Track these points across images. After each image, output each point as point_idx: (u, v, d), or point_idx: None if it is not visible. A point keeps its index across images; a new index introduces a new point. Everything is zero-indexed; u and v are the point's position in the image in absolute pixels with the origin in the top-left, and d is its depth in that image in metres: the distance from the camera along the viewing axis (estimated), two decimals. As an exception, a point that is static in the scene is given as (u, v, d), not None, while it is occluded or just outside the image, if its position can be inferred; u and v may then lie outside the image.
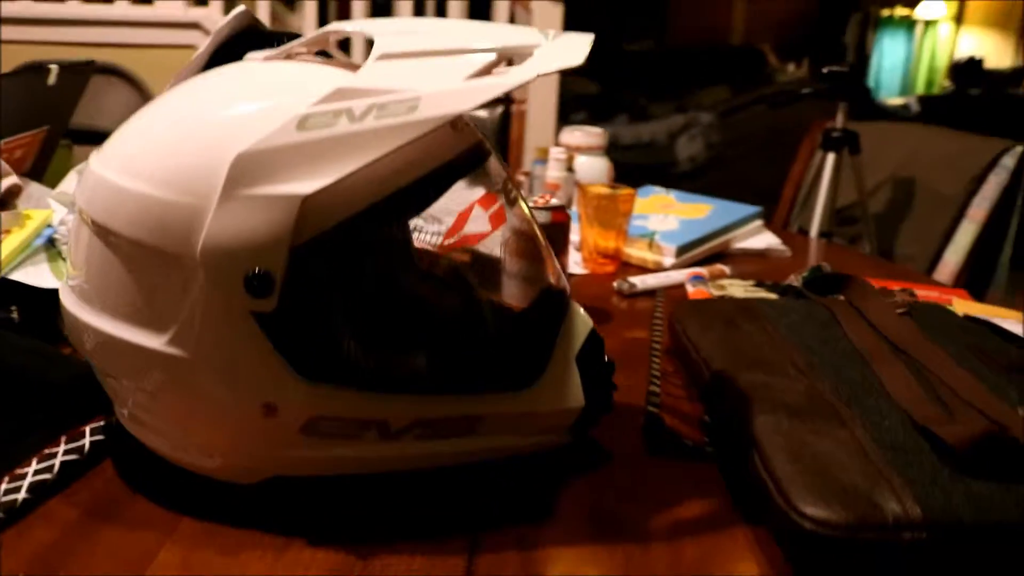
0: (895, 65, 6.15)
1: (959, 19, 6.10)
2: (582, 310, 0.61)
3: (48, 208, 0.94)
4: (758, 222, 1.29)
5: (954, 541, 0.49)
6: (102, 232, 0.52)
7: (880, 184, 1.74)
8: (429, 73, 0.51)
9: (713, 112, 3.68)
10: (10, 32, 2.39)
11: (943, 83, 5.88)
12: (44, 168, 1.17)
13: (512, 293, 0.61)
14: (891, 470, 0.53)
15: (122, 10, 2.55)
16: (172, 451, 0.56)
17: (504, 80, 0.50)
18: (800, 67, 5.77)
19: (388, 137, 0.48)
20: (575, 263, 1.14)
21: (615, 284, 1.04)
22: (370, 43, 0.54)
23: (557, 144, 1.45)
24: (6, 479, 0.56)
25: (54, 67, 1.07)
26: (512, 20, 2.68)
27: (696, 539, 0.55)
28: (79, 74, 1.16)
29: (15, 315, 0.76)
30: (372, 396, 0.52)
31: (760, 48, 5.93)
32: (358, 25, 0.57)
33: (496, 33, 0.54)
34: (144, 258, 0.50)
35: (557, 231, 0.90)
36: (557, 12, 2.61)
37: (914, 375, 0.65)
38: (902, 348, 0.69)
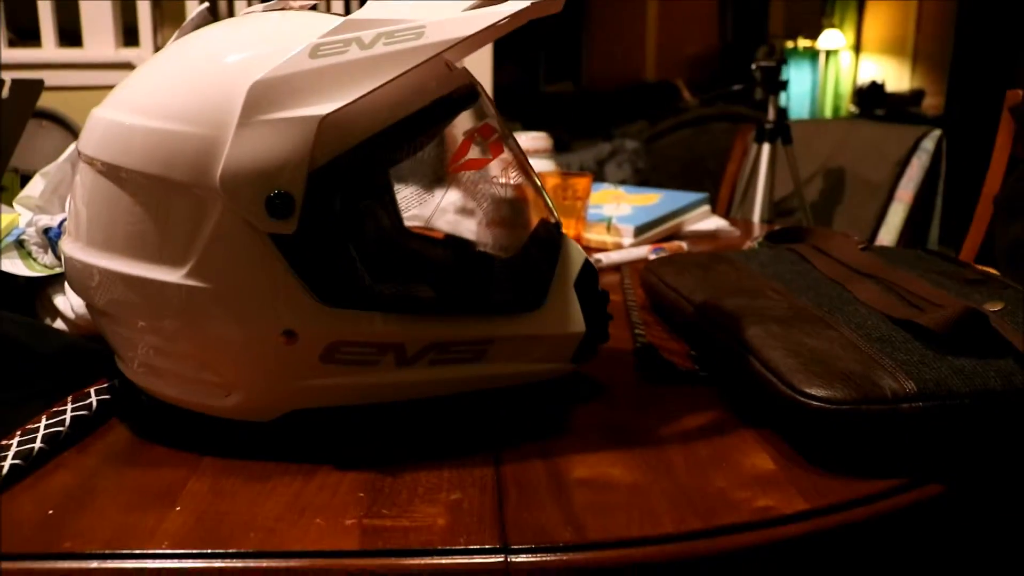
0: (803, 93, 6.45)
1: (858, 48, 6.45)
2: (574, 241, 0.63)
3: (13, 213, 0.93)
4: (706, 207, 1.35)
5: (946, 410, 0.53)
6: (113, 172, 0.53)
7: (813, 175, 1.83)
8: (429, 8, 0.53)
9: (638, 139, 3.80)
10: None
11: (849, 107, 6.18)
12: (-6, 188, 1.15)
13: (511, 221, 0.64)
14: (882, 356, 0.57)
15: (51, 53, 2.52)
16: (186, 395, 0.56)
17: (503, 8, 0.53)
18: (703, 97, 5.99)
19: (397, 62, 0.51)
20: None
21: (581, 263, 1.07)
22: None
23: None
24: (18, 432, 0.55)
25: (7, 79, 1.06)
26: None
27: (707, 441, 0.57)
28: (31, 91, 1.15)
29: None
30: (389, 319, 0.54)
31: (674, 82, 6.16)
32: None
33: (484, -24, 0.57)
34: (160, 192, 0.51)
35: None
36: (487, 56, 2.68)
37: (885, 290, 0.69)
38: (869, 273, 0.74)
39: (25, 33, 2.71)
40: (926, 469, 0.53)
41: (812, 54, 6.52)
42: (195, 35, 0.57)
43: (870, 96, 5.54)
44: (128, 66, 2.54)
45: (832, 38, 6.43)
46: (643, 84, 6.35)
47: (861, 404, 0.52)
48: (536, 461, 0.54)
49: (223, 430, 0.56)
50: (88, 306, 0.60)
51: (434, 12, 0.53)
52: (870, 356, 0.57)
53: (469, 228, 0.61)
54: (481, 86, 0.62)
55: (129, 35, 2.68)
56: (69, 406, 0.59)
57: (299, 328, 0.52)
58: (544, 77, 6.26)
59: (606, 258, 1.07)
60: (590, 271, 0.63)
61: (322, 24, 0.53)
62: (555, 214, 0.63)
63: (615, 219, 1.20)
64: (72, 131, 2.19)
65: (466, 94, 0.58)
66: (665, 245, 1.12)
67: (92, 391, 0.61)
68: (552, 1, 0.54)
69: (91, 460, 0.54)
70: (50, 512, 0.47)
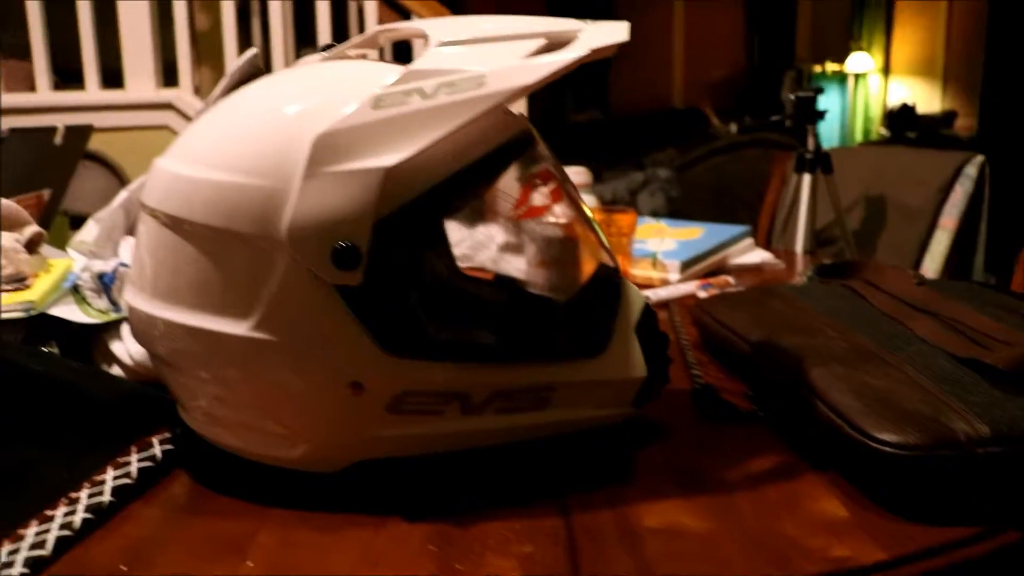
0: (831, 117, 6.42)
1: (886, 70, 6.41)
2: (633, 285, 0.63)
3: (67, 258, 0.95)
4: (749, 240, 1.34)
5: (1022, 453, 0.52)
6: (176, 225, 0.53)
7: (853, 203, 1.81)
8: (488, 56, 0.54)
9: (670, 168, 3.80)
10: None
11: (879, 131, 6.14)
12: (46, 232, 1.17)
13: (571, 265, 0.64)
14: (950, 397, 0.55)
15: (94, 95, 2.58)
16: (250, 446, 0.57)
17: (564, 56, 0.53)
18: (741, 126, 5.98)
19: (459, 111, 0.51)
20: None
21: (626, 299, 1.07)
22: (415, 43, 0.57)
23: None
24: (87, 485, 0.56)
25: (60, 127, 1.08)
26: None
27: (773, 485, 0.56)
28: (81, 136, 1.18)
29: (55, 350, 0.76)
30: (454, 368, 0.54)
31: (701, 108, 6.16)
32: (407, 25, 0.60)
33: (539, 22, 0.58)
34: (224, 244, 0.52)
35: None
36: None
37: (945, 327, 0.68)
38: (926, 308, 0.72)
39: (67, 75, 2.77)
40: (1002, 514, 0.52)
41: (840, 78, 6.50)
42: (255, 86, 0.57)
43: (901, 119, 5.49)
44: (168, 107, 2.59)
45: (860, 61, 6.40)
46: (671, 110, 6.37)
47: (934, 449, 0.51)
48: (604, 509, 0.53)
49: (289, 481, 0.56)
50: (151, 355, 0.60)
51: (492, 60, 0.53)
52: (938, 398, 0.56)
53: (530, 273, 0.60)
54: (535, 129, 0.62)
55: (168, 75, 2.73)
56: (134, 456, 0.59)
57: (366, 379, 0.52)
58: (571, 106, 6.29)
59: (654, 295, 1.06)
60: (650, 314, 0.62)
61: (381, 74, 0.53)
62: (613, 255, 0.63)
63: (660, 254, 1.20)
64: (114, 171, 2.23)
65: (523, 139, 0.58)
66: (713, 280, 1.11)
67: (155, 441, 0.61)
68: (609, 47, 0.54)
69: (157, 511, 0.54)
70: (123, 568, 0.48)
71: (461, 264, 0.62)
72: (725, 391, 0.71)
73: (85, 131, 1.18)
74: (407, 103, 0.51)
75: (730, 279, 1.13)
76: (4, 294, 0.77)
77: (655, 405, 0.64)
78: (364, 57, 0.62)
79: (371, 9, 2.61)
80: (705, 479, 0.57)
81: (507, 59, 0.53)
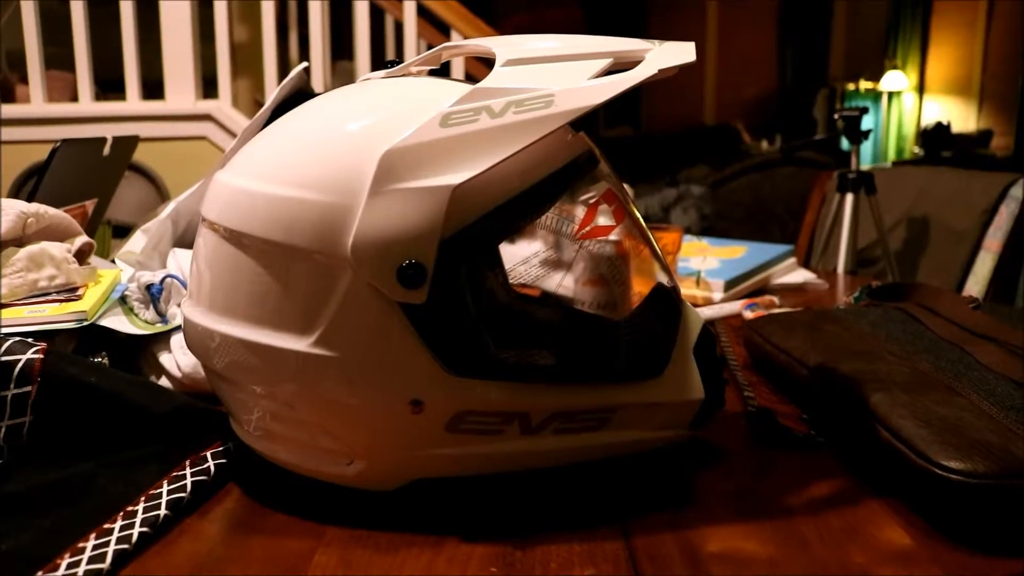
0: (865, 135, 6.36)
1: (921, 88, 6.36)
2: (691, 306, 0.62)
3: (114, 268, 0.95)
4: (792, 259, 1.33)
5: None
6: (236, 239, 0.53)
7: (895, 224, 1.79)
8: (555, 75, 0.53)
9: (703, 184, 3.78)
10: (25, 132, 2.44)
11: (913, 150, 6.08)
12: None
13: (631, 286, 0.63)
14: (1018, 425, 0.54)
15: (135, 105, 2.61)
16: (305, 462, 0.56)
17: (632, 75, 0.53)
18: (772, 144, 5.96)
19: (527, 131, 0.51)
20: (622, 305, 1.16)
21: (670, 318, 1.06)
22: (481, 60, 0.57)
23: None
24: (143, 498, 0.55)
25: (109, 138, 1.10)
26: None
27: (836, 511, 0.55)
28: (128, 147, 1.19)
29: (105, 360, 0.76)
30: (515, 388, 0.53)
31: (733, 125, 6.14)
32: (472, 43, 0.60)
33: (606, 42, 0.57)
34: (285, 260, 0.52)
35: (621, 262, 0.92)
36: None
37: (1008, 353, 0.66)
38: (986, 334, 0.71)
39: (108, 86, 2.81)
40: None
41: (874, 96, 6.45)
42: (320, 101, 0.57)
43: (935, 138, 5.44)
44: (207, 118, 2.62)
45: (895, 79, 6.35)
46: (702, 127, 6.35)
47: (1003, 478, 0.50)
48: (665, 533, 0.52)
49: (345, 499, 0.55)
50: (206, 369, 0.60)
51: (560, 79, 0.53)
52: (1006, 426, 0.54)
53: (591, 294, 0.60)
54: (597, 149, 0.62)
55: (208, 87, 2.76)
56: (188, 471, 0.59)
57: (426, 397, 0.52)
58: (603, 121, 6.30)
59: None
60: (708, 336, 0.61)
61: (447, 91, 0.53)
62: (672, 276, 0.62)
63: (704, 273, 1.19)
64: (154, 182, 2.26)
65: (587, 159, 0.58)
66: (758, 300, 1.10)
67: (209, 455, 0.61)
68: (671, 68, 0.54)
69: (213, 527, 0.54)
70: (183, 584, 0.47)
71: (527, 285, 0.61)
72: (779, 414, 0.70)
73: (132, 141, 1.19)
74: (475, 121, 0.51)
75: (775, 299, 1.12)
76: (55, 304, 0.77)
77: (711, 428, 0.63)
78: (433, 74, 0.62)
79: (410, 23, 2.63)
80: (765, 504, 0.56)
81: (574, 78, 0.53)
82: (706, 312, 1.06)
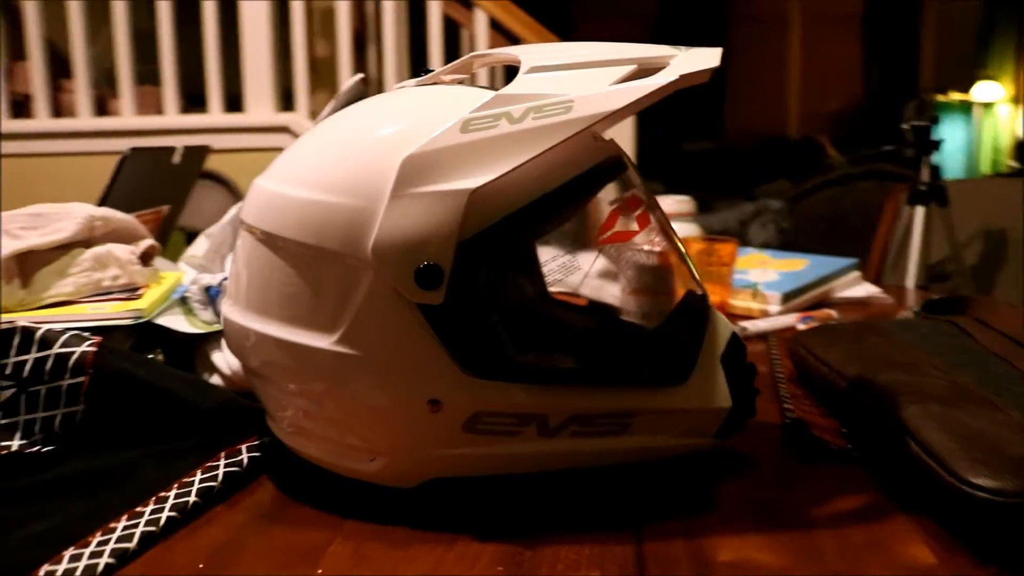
0: (956, 149, 6.13)
1: (1017, 99, 6.10)
2: (720, 314, 0.62)
3: (178, 270, 1.00)
4: (855, 273, 1.29)
5: None
6: (271, 241, 0.55)
7: (971, 237, 1.73)
8: (577, 81, 0.54)
9: (782, 199, 3.70)
10: (115, 143, 2.56)
11: (1008, 163, 5.83)
12: (163, 246, 1.24)
13: (656, 292, 0.63)
14: (1061, 446, 0.52)
15: (216, 117, 2.72)
16: (332, 458, 0.58)
17: (651, 82, 0.53)
18: (854, 155, 5.79)
19: (546, 136, 0.51)
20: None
21: (724, 329, 1.05)
22: (510, 68, 0.58)
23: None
24: (176, 485, 0.58)
25: (179, 147, 1.15)
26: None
27: (860, 525, 0.54)
28: (199, 156, 1.24)
29: (160, 356, 0.80)
30: (533, 390, 0.54)
31: (817, 139, 5.99)
32: (501, 51, 0.61)
33: (632, 48, 0.58)
34: (313, 261, 0.53)
35: (668, 273, 0.91)
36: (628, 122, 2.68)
37: (1062, 371, 0.64)
38: (1040, 350, 0.68)
39: (192, 100, 2.93)
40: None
41: (966, 107, 6.21)
42: (350, 109, 0.59)
43: (1033, 151, 5.20)
44: (284, 130, 2.70)
45: (988, 90, 6.10)
46: (785, 140, 6.22)
47: (1036, 498, 0.48)
48: (678, 540, 0.52)
49: (366, 494, 0.57)
50: (243, 366, 0.62)
51: (582, 85, 0.53)
52: (1047, 445, 0.52)
53: (615, 298, 0.60)
54: (627, 155, 0.62)
55: (286, 100, 2.85)
56: (222, 462, 0.61)
57: (443, 397, 0.53)
58: (685, 135, 6.23)
59: (752, 326, 1.04)
60: (737, 344, 0.61)
61: (473, 98, 0.54)
62: (701, 284, 0.62)
63: (761, 285, 1.17)
64: (232, 191, 2.34)
65: (612, 165, 0.58)
66: (814, 313, 1.08)
67: (244, 448, 0.64)
68: (699, 72, 0.54)
69: (240, 516, 0.56)
70: (201, 566, 0.49)
71: (549, 287, 0.62)
72: (817, 427, 0.69)
73: (202, 151, 1.24)
74: (495, 127, 0.52)
75: (832, 312, 1.09)
76: (115, 302, 0.81)
77: (742, 438, 0.62)
78: (460, 83, 0.64)
79: (482, 36, 2.66)
80: (787, 515, 0.55)
81: (595, 85, 0.53)
82: (760, 324, 1.04)
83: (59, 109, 2.65)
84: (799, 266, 1.27)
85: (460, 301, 0.52)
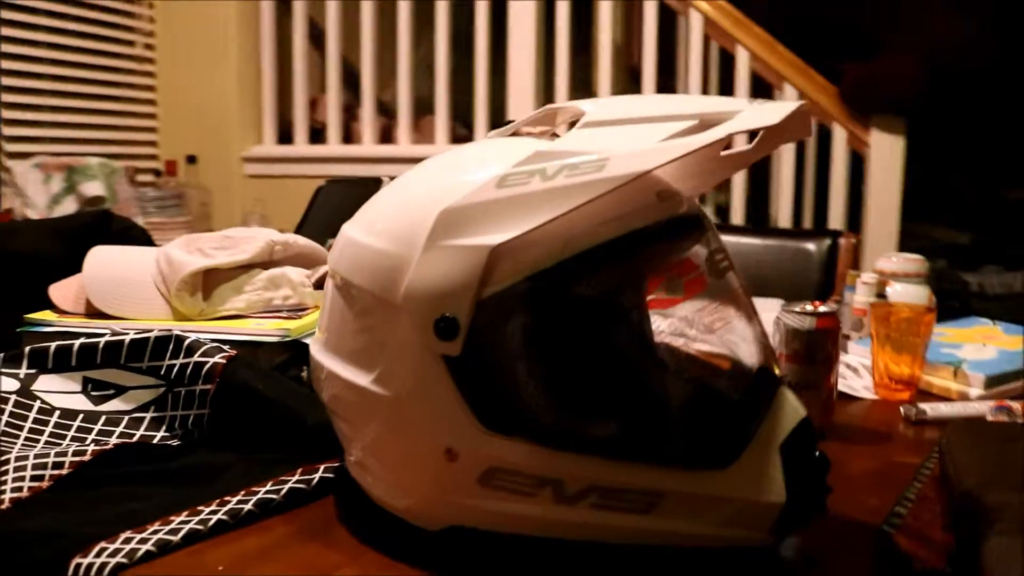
0: None
1: None
2: (793, 397, 0.56)
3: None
4: (1104, 361, 1.09)
5: None
6: (342, 282, 0.59)
7: None
8: (626, 137, 0.52)
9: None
10: (310, 168, 2.76)
11: None
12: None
13: (712, 368, 0.58)
14: None
15: (404, 148, 2.83)
16: (373, 488, 0.60)
17: (691, 140, 0.50)
18: None
19: (576, 194, 0.50)
20: (864, 387, 1.04)
21: (902, 409, 0.93)
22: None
23: (874, 271, 1.36)
24: (243, 492, 0.63)
25: (386, 179, 1.24)
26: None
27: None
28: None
29: (304, 375, 0.87)
30: (548, 452, 0.52)
31: None
32: (573, 104, 0.60)
33: (701, 102, 0.54)
34: (364, 302, 0.56)
35: (821, 338, 0.84)
36: (899, 145, 2.47)
37: None
38: None
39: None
40: None
41: None
42: (426, 161, 0.61)
43: None
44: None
45: None
46: None
47: None
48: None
49: (394, 529, 0.58)
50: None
51: (627, 142, 0.52)
52: None
53: (657, 367, 0.57)
54: (704, 215, 0.58)
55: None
56: (294, 478, 0.66)
57: (459, 448, 0.53)
58: (1006, 181, 5.57)
59: (932, 410, 0.91)
60: (806, 432, 0.55)
61: (526, 150, 0.54)
62: (777, 363, 0.57)
63: (967, 364, 1.03)
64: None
65: (671, 227, 0.55)
66: (1012, 404, 0.92)
67: (321, 468, 0.68)
68: (754, 129, 0.49)
69: (284, 530, 0.61)
70: (220, 568, 0.54)
71: (584, 349, 0.59)
72: (922, 539, 0.59)
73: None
74: (528, 183, 0.52)
75: (1045, 407, 0.93)
76: (276, 320, 0.90)
77: (827, 538, 0.56)
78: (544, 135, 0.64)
79: (742, 72, 2.58)
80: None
81: (643, 141, 0.51)
82: (942, 409, 0.92)
83: (350, 136, 2.94)
84: (1029, 346, 1.09)
85: (478, 354, 0.52)
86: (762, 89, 2.55)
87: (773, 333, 0.86)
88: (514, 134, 0.62)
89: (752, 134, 0.53)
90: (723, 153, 0.58)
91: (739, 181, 2.57)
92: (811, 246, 1.82)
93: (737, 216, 2.58)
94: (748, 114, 0.51)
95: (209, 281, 0.93)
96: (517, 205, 0.51)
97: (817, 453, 0.55)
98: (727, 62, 2.66)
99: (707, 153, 0.58)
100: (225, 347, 0.78)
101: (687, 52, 2.65)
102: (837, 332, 0.86)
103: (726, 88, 2.65)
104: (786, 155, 2.53)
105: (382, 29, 2.81)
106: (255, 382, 0.76)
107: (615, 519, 0.53)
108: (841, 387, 1.00)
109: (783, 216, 2.56)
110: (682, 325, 0.57)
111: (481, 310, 0.51)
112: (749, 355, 0.57)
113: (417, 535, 0.57)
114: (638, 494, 0.53)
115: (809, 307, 0.86)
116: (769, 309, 0.82)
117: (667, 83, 2.78)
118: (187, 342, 0.78)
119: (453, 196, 0.53)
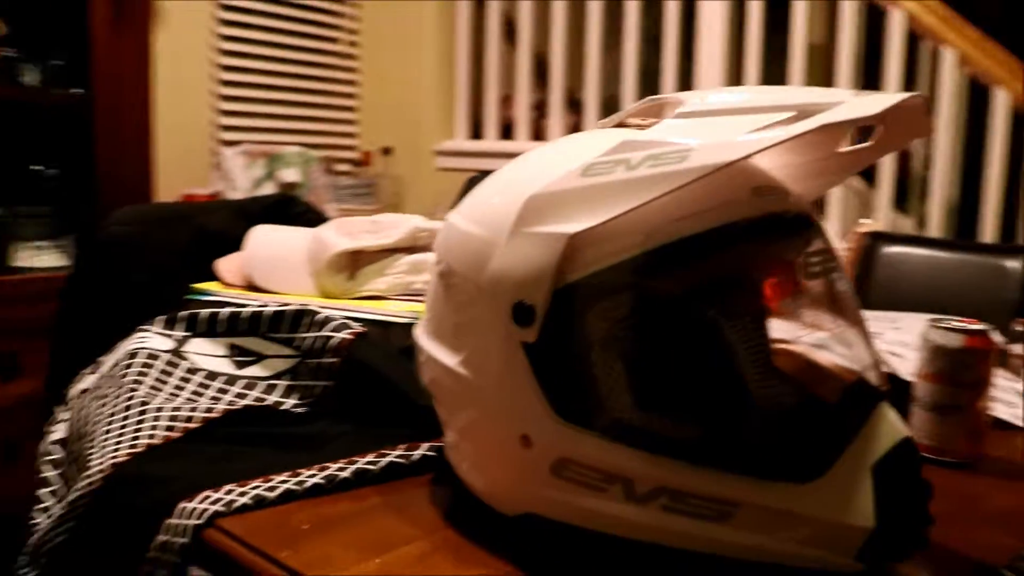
0: None
1: None
2: (895, 414, 0.51)
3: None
4: None
5: None
6: (443, 267, 0.60)
7: None
8: (716, 129, 0.50)
9: None
10: (498, 163, 2.79)
11: None
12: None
13: (805, 375, 0.55)
14: None
15: (526, 144, 2.81)
16: (458, 467, 0.61)
17: (779, 132, 0.47)
18: None
19: (657, 184, 0.49)
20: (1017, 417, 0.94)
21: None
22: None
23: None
24: (344, 460, 0.67)
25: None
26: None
27: None
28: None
29: (429, 355, 0.90)
30: (619, 449, 0.51)
31: None
32: (674, 95, 0.58)
33: (809, 94, 0.51)
34: (458, 286, 0.57)
35: (968, 359, 0.76)
36: None
37: None
38: None
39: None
40: None
41: None
42: (535, 149, 0.62)
43: None
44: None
45: None
46: None
47: None
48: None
49: (477, 512, 0.59)
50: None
51: (716, 133, 0.50)
52: None
53: (736, 369, 0.53)
54: (814, 214, 0.55)
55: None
56: (395, 452, 0.68)
57: (533, 435, 0.53)
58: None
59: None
60: (906, 454, 0.50)
61: (608, 142, 0.53)
62: (878, 374, 0.52)
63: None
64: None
65: (765, 224, 0.52)
66: None
67: (424, 446, 0.70)
68: (848, 121, 0.46)
69: (376, 500, 0.63)
70: (304, 527, 0.57)
71: (667, 345, 0.57)
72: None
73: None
74: (611, 173, 0.51)
75: None
76: (411, 303, 0.94)
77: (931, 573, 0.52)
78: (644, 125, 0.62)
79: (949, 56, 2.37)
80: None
81: (733, 132, 0.49)
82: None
83: (539, 133, 2.99)
84: None
85: (554, 343, 0.52)
86: (977, 91, 2.34)
87: (920, 349, 0.79)
88: (620, 125, 0.61)
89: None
90: (840, 151, 0.55)
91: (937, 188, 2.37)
92: (1010, 264, 1.65)
93: (933, 228, 2.38)
94: (848, 106, 0.48)
95: (356, 263, 0.98)
96: (599, 194, 0.51)
97: (918, 478, 0.51)
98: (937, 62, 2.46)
99: (820, 150, 0.55)
100: (354, 324, 0.82)
101: (889, 52, 2.48)
102: (989, 353, 0.78)
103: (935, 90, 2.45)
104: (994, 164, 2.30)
105: (574, 27, 2.84)
106: (376, 360, 0.79)
107: (687, 525, 0.51)
108: (1007, 416, 0.90)
109: (988, 230, 2.33)
110: (779, 328, 0.54)
111: (558, 298, 0.51)
112: (848, 365, 0.53)
113: (495, 518, 0.58)
114: (710, 501, 0.51)
115: (959, 324, 0.78)
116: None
117: (870, 85, 2.61)
118: (318, 316, 0.83)
119: (541, 183, 0.53)
